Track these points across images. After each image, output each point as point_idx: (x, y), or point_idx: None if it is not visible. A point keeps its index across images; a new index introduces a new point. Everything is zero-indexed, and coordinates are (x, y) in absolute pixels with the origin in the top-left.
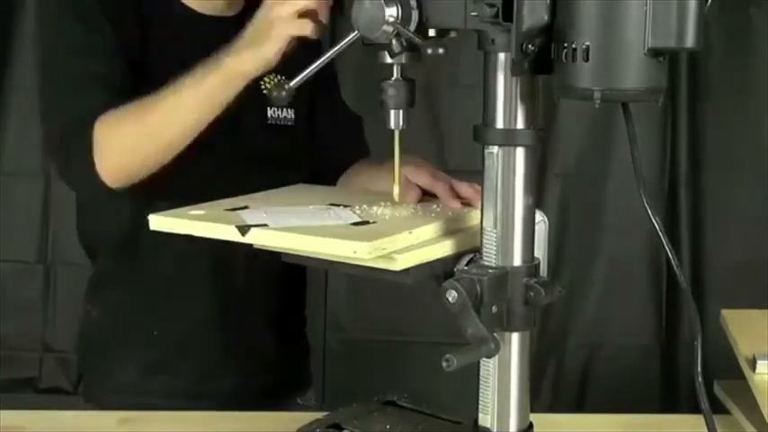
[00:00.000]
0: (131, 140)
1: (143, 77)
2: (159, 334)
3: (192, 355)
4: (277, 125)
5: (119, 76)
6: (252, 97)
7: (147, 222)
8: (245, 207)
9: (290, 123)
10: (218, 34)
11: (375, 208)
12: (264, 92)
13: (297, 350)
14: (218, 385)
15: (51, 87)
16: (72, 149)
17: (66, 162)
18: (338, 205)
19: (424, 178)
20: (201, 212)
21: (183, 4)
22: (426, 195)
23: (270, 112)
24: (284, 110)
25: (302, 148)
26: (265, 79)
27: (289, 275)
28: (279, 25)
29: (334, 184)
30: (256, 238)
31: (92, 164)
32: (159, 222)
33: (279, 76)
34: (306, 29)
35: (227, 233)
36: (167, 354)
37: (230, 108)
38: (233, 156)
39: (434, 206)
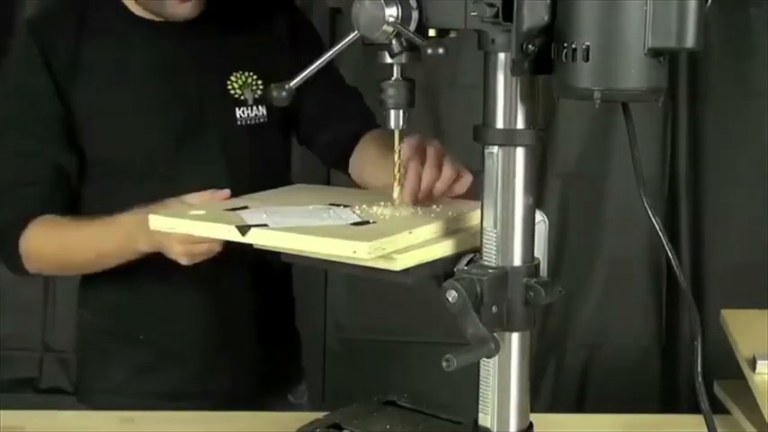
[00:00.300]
0: (51, 261)
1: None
2: (146, 336)
3: (180, 355)
4: (248, 125)
5: (53, 176)
6: (219, 99)
7: None
8: (245, 207)
9: (262, 120)
10: (170, 40)
11: (375, 208)
12: (231, 92)
13: (287, 344)
14: (207, 384)
15: None
16: (2, 244)
17: None
18: (338, 205)
19: (405, 150)
20: (201, 212)
21: (129, 10)
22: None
23: (239, 112)
24: (254, 108)
25: (280, 144)
26: (232, 78)
27: (272, 267)
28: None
29: (346, 156)
30: (256, 238)
31: (19, 259)
32: (159, 222)
33: (246, 73)
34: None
35: (228, 233)
36: (155, 354)
37: (196, 113)
38: (205, 161)
39: (434, 206)
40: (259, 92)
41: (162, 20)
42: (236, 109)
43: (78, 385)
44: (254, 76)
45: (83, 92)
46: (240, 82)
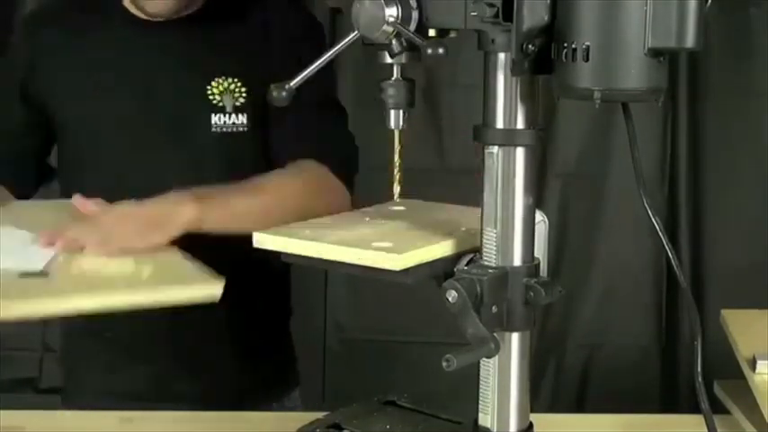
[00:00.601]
0: None
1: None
2: (114, 333)
3: (150, 354)
4: (223, 133)
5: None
6: (194, 103)
7: None
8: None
9: (241, 129)
10: (155, 39)
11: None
12: (210, 97)
13: (278, 349)
14: (183, 389)
15: None
16: None
17: None
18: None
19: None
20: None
21: (125, 8)
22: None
23: (214, 119)
24: (233, 116)
25: (259, 154)
26: (213, 83)
27: (271, 267)
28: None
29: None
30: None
31: None
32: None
33: (230, 80)
34: None
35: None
36: (128, 356)
37: (171, 116)
38: (178, 167)
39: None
40: (241, 99)
41: (155, 19)
42: (212, 115)
43: (62, 386)
44: (239, 83)
45: (62, 93)
46: (221, 88)
